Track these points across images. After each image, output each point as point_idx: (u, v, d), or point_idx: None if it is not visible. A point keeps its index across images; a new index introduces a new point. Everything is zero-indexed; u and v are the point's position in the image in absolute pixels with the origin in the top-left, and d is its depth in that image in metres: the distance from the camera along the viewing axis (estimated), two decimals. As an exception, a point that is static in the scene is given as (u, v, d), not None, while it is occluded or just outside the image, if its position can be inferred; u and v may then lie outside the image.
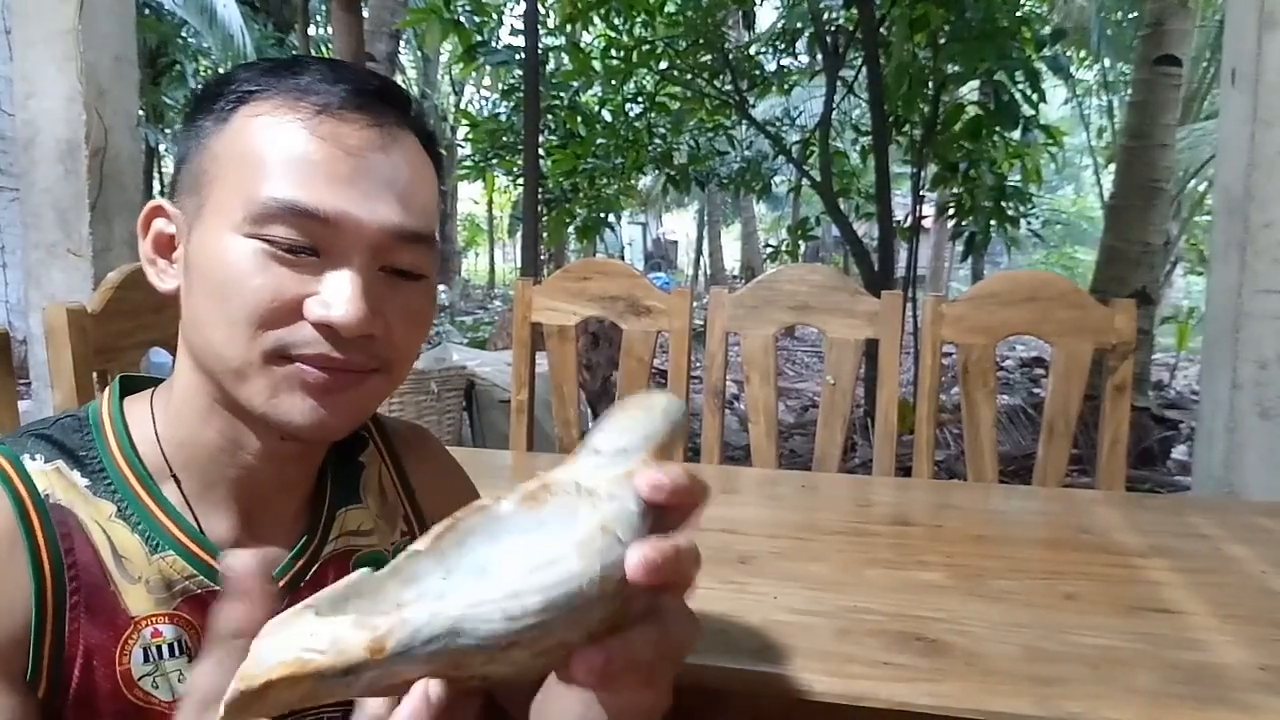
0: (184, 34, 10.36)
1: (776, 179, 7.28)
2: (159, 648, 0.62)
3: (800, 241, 6.21)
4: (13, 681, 0.57)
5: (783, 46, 5.55)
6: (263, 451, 0.65)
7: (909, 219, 5.04)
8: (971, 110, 4.50)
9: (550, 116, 6.01)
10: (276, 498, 0.69)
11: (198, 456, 0.65)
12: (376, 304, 0.61)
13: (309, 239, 0.59)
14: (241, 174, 0.60)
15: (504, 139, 6.54)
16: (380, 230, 0.61)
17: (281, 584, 0.68)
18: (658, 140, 6.00)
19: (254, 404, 0.61)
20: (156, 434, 0.66)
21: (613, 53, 5.20)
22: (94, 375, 1.24)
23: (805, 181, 5.46)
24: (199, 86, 0.67)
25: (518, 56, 5.09)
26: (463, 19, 4.97)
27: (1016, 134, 4.46)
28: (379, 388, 0.65)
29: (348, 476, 0.76)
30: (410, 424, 0.86)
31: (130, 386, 0.70)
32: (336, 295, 0.59)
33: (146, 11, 9.32)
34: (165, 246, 0.66)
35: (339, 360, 0.61)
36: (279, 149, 0.59)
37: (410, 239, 0.62)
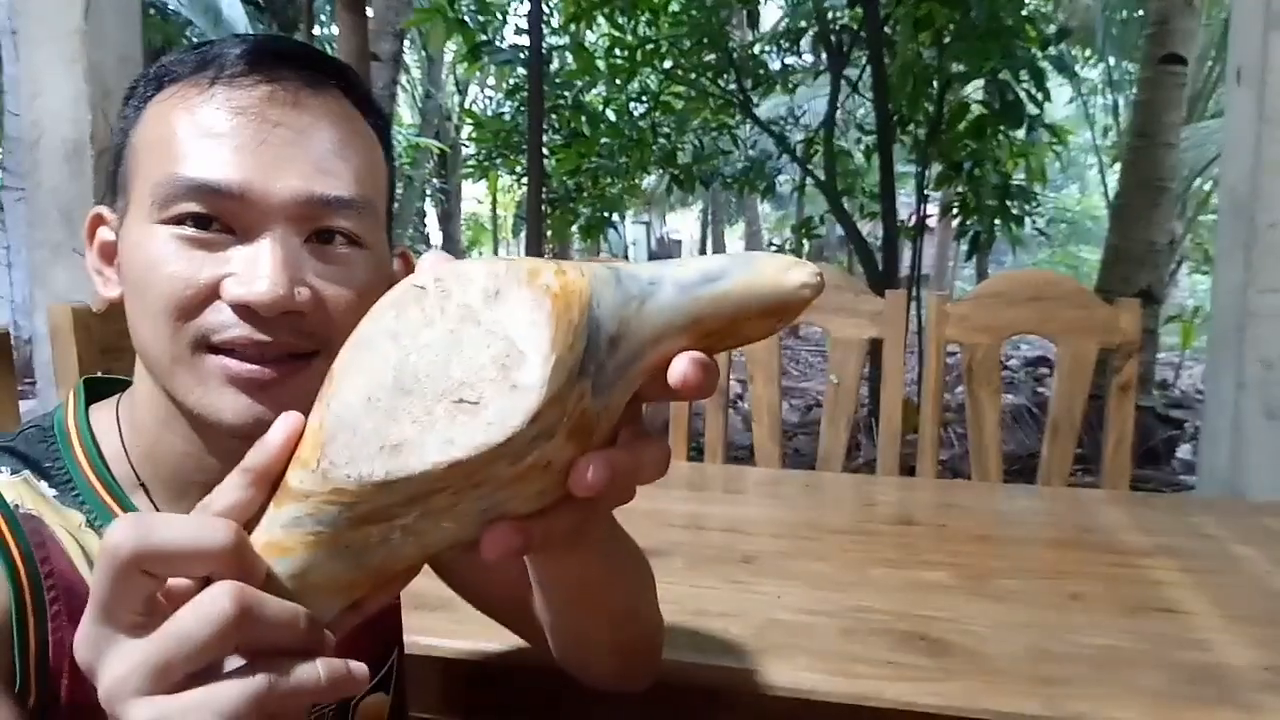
0: (189, 34, 10.37)
1: (780, 178, 7.25)
2: None
3: (804, 241, 6.20)
4: (2, 692, 0.55)
5: (787, 46, 5.54)
6: (227, 456, 0.60)
7: (913, 218, 5.04)
8: (976, 109, 4.48)
9: (554, 116, 6.00)
10: None
11: (164, 466, 0.62)
12: (300, 276, 0.56)
13: (219, 216, 0.56)
14: (152, 161, 0.57)
15: (508, 138, 6.55)
16: (294, 198, 0.56)
17: None
18: (662, 140, 5.99)
19: (186, 401, 0.57)
20: (123, 444, 0.63)
21: (617, 52, 5.20)
22: (99, 375, 1.24)
23: (809, 181, 5.45)
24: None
25: (522, 56, 5.10)
26: (467, 19, 4.97)
27: (1021, 133, 4.45)
28: (321, 373, 0.62)
29: None
30: None
31: (96, 388, 0.68)
32: (251, 270, 0.55)
33: (152, 12, 9.34)
34: (111, 254, 0.62)
35: (265, 343, 0.56)
36: (182, 127, 0.56)
37: (336, 205, 0.58)
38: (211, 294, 0.55)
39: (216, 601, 0.37)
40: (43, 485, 0.60)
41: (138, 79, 0.61)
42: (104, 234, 0.63)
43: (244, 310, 0.55)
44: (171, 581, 0.39)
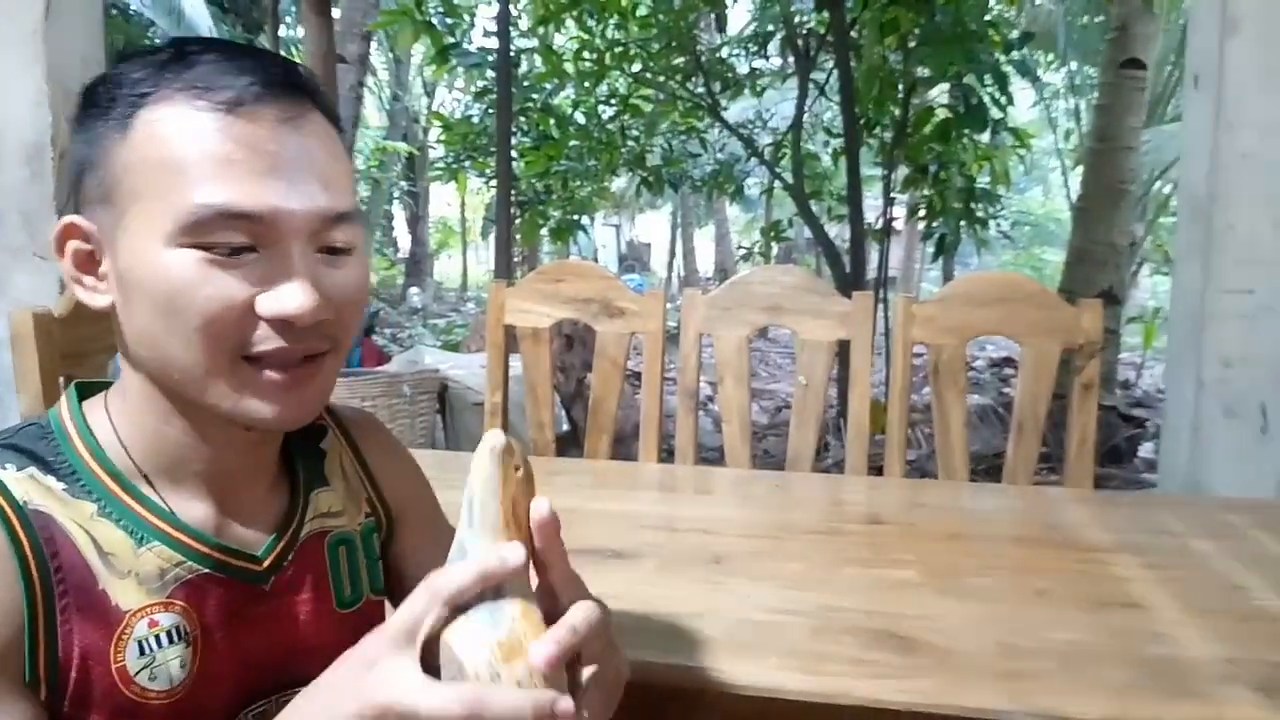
0: (151, 35, 10.23)
1: (749, 181, 7.30)
2: (156, 637, 0.63)
3: (773, 243, 6.23)
4: (15, 687, 0.58)
5: (754, 49, 5.56)
6: (228, 443, 0.67)
7: (880, 221, 5.08)
8: (941, 113, 4.53)
9: (523, 118, 5.99)
10: (246, 482, 0.71)
11: (165, 457, 0.66)
12: (323, 289, 0.62)
13: (246, 238, 0.60)
14: (162, 183, 0.59)
15: (477, 141, 6.53)
16: (310, 217, 0.62)
17: (266, 564, 0.70)
18: (631, 142, 6.00)
19: (221, 406, 0.63)
20: (119, 439, 0.66)
21: (585, 55, 5.19)
22: (60, 380, 1.22)
23: (777, 184, 5.48)
24: (84, 86, 0.63)
25: (490, 58, 5.08)
26: (434, 21, 4.94)
27: (985, 136, 4.51)
28: (332, 369, 0.68)
29: (313, 462, 0.78)
30: (359, 410, 0.88)
31: (83, 390, 0.70)
32: (286, 289, 0.61)
33: (114, 12, 9.20)
34: (86, 263, 0.64)
35: (298, 350, 0.63)
36: (196, 152, 0.59)
37: (341, 218, 0.64)
38: (248, 311, 0.60)
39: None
40: (50, 480, 0.63)
41: (101, 85, 0.62)
42: (78, 244, 0.64)
43: (280, 324, 0.61)
44: None
